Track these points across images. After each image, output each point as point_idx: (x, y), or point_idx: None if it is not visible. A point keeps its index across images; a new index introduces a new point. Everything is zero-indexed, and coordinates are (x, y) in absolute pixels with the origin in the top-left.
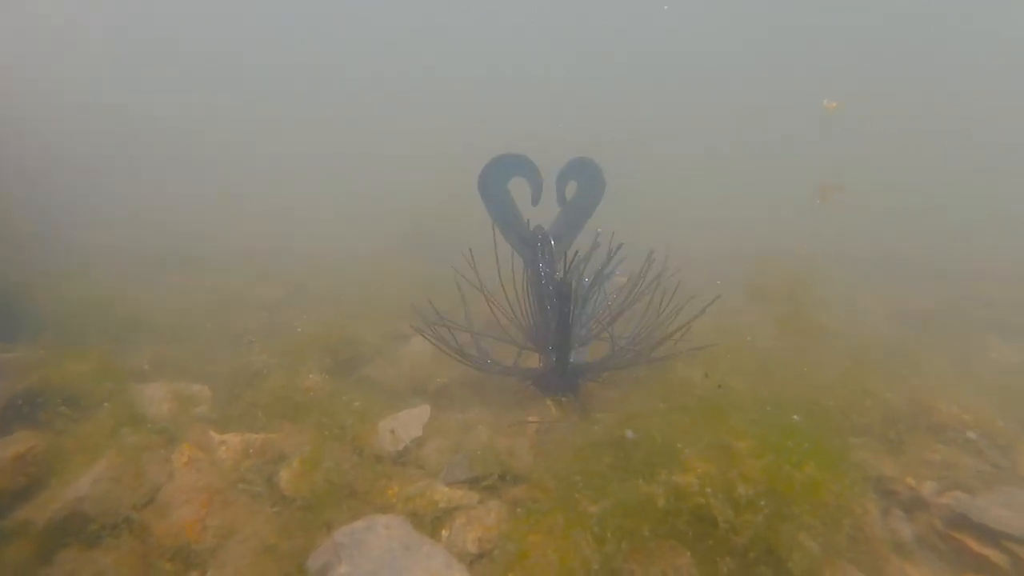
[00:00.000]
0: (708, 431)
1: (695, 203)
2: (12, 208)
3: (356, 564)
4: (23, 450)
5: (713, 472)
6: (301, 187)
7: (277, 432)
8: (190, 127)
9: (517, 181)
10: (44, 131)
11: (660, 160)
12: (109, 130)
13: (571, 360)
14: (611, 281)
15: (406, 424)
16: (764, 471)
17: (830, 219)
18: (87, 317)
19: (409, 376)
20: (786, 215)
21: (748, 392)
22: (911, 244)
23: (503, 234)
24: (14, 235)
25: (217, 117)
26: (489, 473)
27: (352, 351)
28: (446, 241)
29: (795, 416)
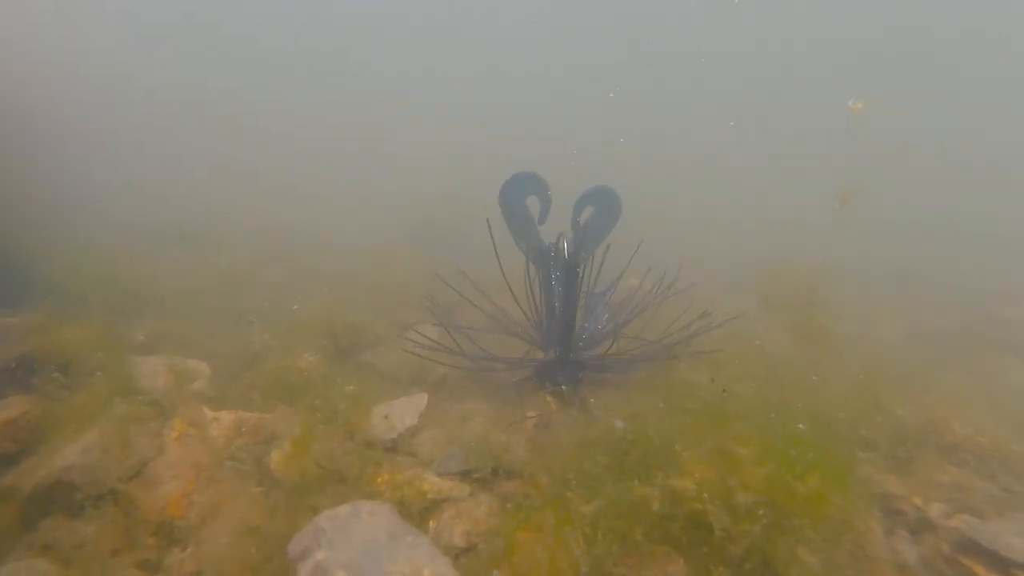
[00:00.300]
0: (709, 435)
1: (704, 206)
2: (27, 178)
3: (336, 550)
4: (15, 415)
5: (712, 478)
6: (307, 174)
7: (272, 412)
8: (202, 105)
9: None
10: (59, 104)
11: (670, 162)
12: (123, 105)
13: (573, 353)
14: (622, 282)
15: (402, 411)
16: (765, 480)
17: (846, 228)
18: (91, 288)
19: (410, 365)
20: (801, 222)
21: (754, 398)
22: (927, 259)
23: (518, 244)
24: (27, 204)
25: (228, 97)
26: (482, 466)
27: (354, 337)
28: (449, 236)
29: (800, 425)
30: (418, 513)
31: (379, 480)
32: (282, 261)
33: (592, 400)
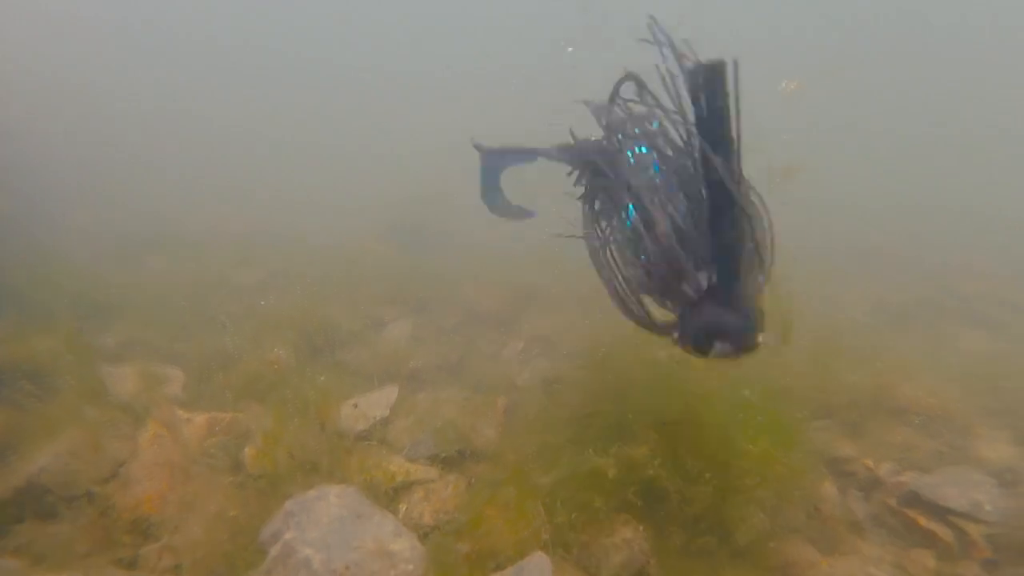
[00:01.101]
0: (664, 406)
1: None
2: None
3: (304, 530)
4: None
5: (664, 445)
6: (296, 175)
7: (245, 412)
8: (181, 112)
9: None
10: (27, 117)
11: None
12: (98, 116)
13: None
14: None
15: (373, 404)
16: (717, 444)
17: (817, 212)
18: (58, 298)
19: (383, 360)
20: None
21: (707, 370)
22: (894, 239)
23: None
24: None
25: (210, 103)
26: (451, 449)
27: (327, 336)
28: (433, 233)
29: (746, 392)
30: (388, 495)
31: (351, 468)
32: (257, 264)
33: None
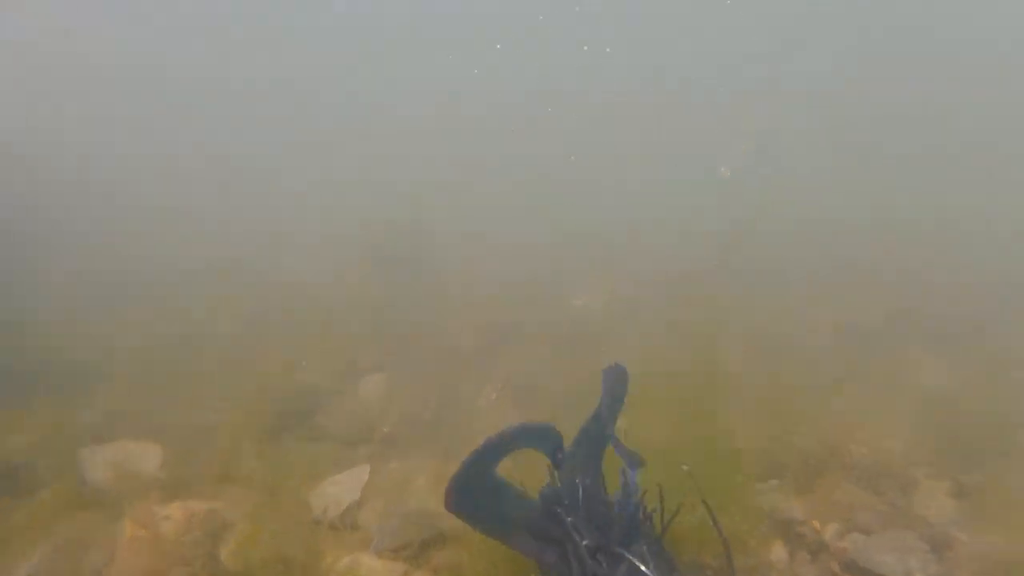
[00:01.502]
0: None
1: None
2: None
3: None
4: None
5: None
6: (278, 210)
7: (222, 499)
8: (162, 149)
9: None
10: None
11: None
12: (77, 153)
13: None
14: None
15: (345, 486)
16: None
17: (799, 227)
18: (35, 366)
19: (358, 421)
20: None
21: (660, 439)
22: (871, 255)
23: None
24: None
25: (195, 140)
26: (417, 538)
27: (304, 402)
28: (414, 267)
29: (684, 467)
30: None
31: (323, 566)
32: (238, 309)
33: None
